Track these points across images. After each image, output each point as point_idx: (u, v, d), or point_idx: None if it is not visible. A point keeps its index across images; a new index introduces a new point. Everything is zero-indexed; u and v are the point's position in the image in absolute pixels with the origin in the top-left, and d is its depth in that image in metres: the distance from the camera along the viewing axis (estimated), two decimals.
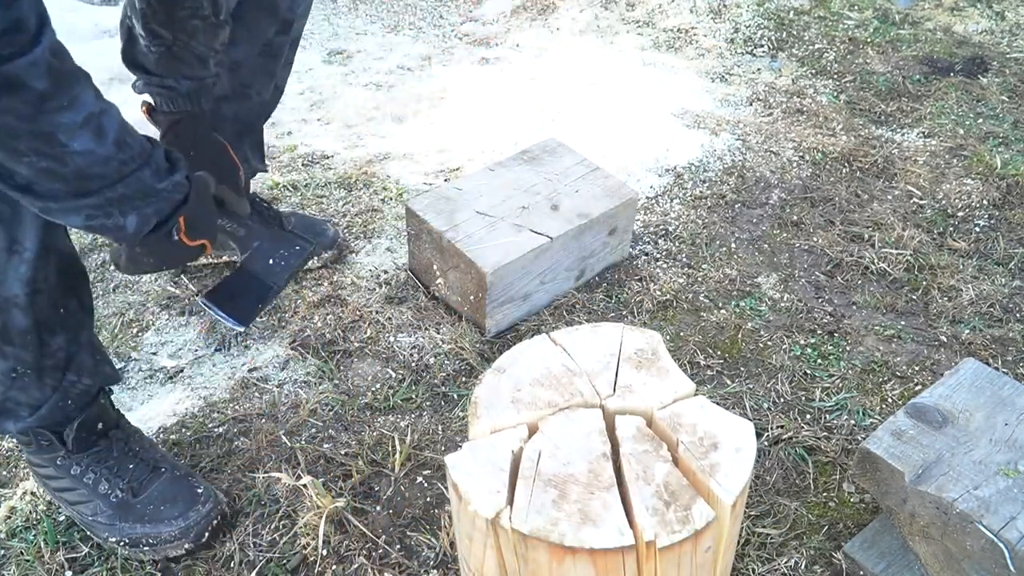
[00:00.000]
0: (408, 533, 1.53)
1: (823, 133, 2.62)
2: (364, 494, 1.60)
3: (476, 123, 2.66)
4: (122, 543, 1.46)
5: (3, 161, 1.03)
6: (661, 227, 2.24)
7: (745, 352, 1.89)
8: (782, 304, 2.02)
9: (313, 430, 1.71)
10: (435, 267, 1.95)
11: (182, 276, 2.07)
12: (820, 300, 2.04)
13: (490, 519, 0.97)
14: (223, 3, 1.52)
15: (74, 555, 1.50)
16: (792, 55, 3.05)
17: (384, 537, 1.52)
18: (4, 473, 1.65)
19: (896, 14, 3.29)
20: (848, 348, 1.91)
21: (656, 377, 1.13)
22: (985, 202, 2.34)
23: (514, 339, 1.90)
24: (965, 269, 2.12)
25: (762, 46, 3.09)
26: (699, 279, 2.08)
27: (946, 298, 2.04)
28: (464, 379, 1.82)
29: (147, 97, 1.59)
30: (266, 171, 2.03)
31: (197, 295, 2.00)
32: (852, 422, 1.73)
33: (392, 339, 1.90)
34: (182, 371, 1.85)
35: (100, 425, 1.48)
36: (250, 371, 1.84)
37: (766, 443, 1.68)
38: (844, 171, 2.47)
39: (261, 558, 1.49)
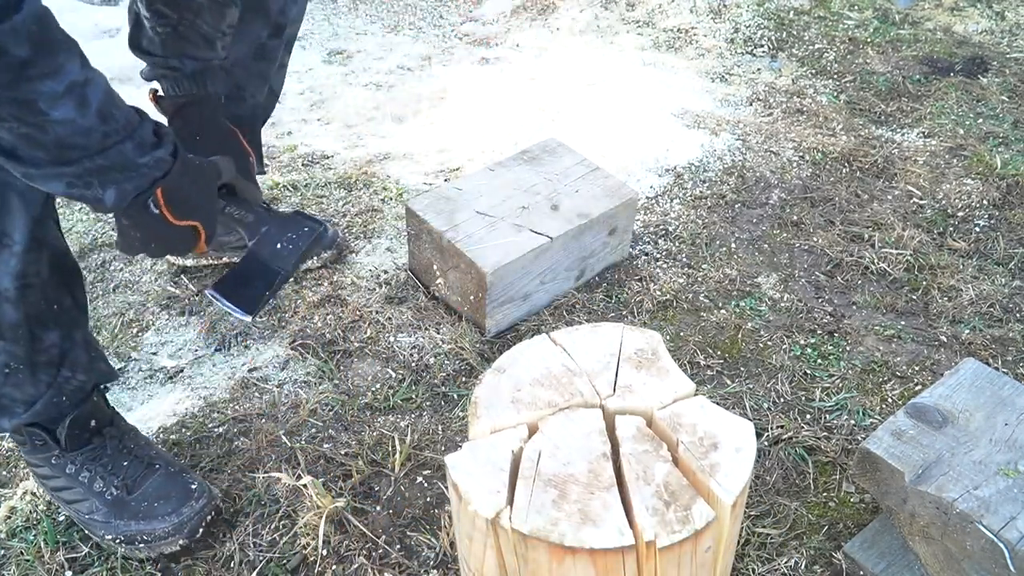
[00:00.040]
0: (408, 533, 1.53)
1: (823, 133, 2.62)
2: (364, 494, 1.60)
3: (476, 123, 2.66)
4: (118, 540, 1.46)
5: None
6: (661, 227, 2.24)
7: (745, 352, 1.89)
8: (782, 304, 2.02)
9: (313, 430, 1.71)
10: (435, 267, 1.95)
11: (182, 276, 2.07)
12: (820, 300, 2.04)
13: (490, 519, 0.97)
14: None
15: (74, 555, 1.50)
16: (792, 55, 3.05)
17: (384, 537, 1.52)
18: (4, 473, 1.65)
19: (896, 14, 3.29)
20: (848, 348, 1.91)
21: (656, 377, 1.13)
22: (985, 202, 2.34)
23: (514, 339, 1.90)
24: (965, 269, 2.12)
25: (762, 46, 3.09)
26: (699, 279, 2.08)
27: (946, 298, 2.04)
28: (464, 379, 1.82)
29: (155, 86, 1.58)
30: (264, 172, 2.03)
31: (204, 289, 2.00)
32: (852, 422, 1.73)
33: (392, 339, 1.90)
34: (182, 371, 1.85)
35: (93, 423, 1.49)
36: (250, 371, 1.84)
37: (766, 443, 1.68)
38: (844, 171, 2.47)
39: (261, 558, 1.49)
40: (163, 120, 1.54)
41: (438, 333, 1.91)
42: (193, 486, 1.50)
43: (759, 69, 2.97)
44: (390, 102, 2.79)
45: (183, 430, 1.71)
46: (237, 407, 1.76)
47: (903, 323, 1.98)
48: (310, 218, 1.48)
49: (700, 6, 3.30)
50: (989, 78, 2.91)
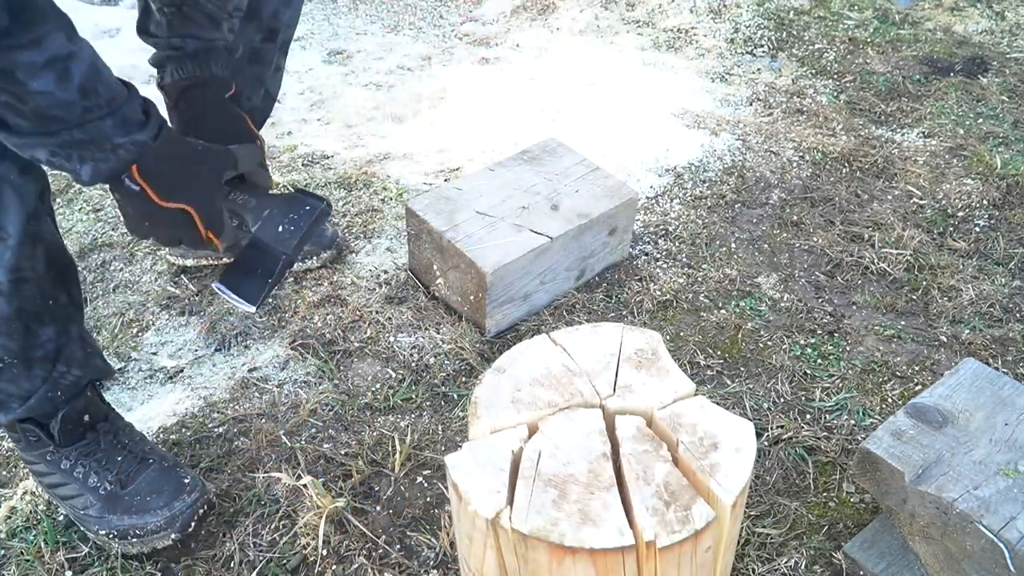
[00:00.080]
0: (408, 533, 1.53)
1: (823, 133, 2.62)
2: (364, 494, 1.60)
3: (476, 123, 2.66)
4: (111, 536, 1.46)
5: None
6: (661, 227, 2.24)
7: (745, 352, 1.89)
8: (782, 304, 2.02)
9: (313, 430, 1.71)
10: (435, 267, 1.95)
11: (182, 276, 2.07)
12: (820, 300, 2.04)
13: (490, 519, 0.97)
14: None
15: (74, 555, 1.50)
16: (792, 55, 3.05)
17: (384, 537, 1.52)
18: (4, 473, 1.65)
19: (896, 14, 3.29)
20: (848, 348, 1.91)
21: (656, 377, 1.13)
22: (985, 202, 2.34)
23: (514, 339, 1.90)
24: (965, 269, 2.12)
25: (762, 46, 3.09)
26: (699, 279, 2.08)
27: (946, 298, 2.04)
28: (464, 379, 1.82)
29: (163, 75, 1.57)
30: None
31: (212, 283, 1.99)
32: (852, 422, 1.73)
33: (392, 339, 1.90)
34: (182, 371, 1.85)
35: (87, 417, 1.49)
36: (250, 371, 1.84)
37: (766, 443, 1.68)
38: (844, 171, 2.47)
39: (261, 558, 1.49)
40: (168, 109, 1.52)
41: (438, 333, 1.91)
42: (186, 480, 1.50)
43: (759, 69, 2.97)
44: (390, 102, 2.79)
45: (183, 430, 1.71)
46: (237, 407, 1.76)
47: (903, 323, 1.98)
48: (311, 195, 1.43)
49: (700, 6, 3.30)
50: (989, 78, 2.91)
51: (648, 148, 2.52)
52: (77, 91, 1.08)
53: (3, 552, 1.51)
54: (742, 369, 1.85)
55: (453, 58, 3.05)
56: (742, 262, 2.14)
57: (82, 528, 1.51)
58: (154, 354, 1.89)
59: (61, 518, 1.55)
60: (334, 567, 1.47)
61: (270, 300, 2.00)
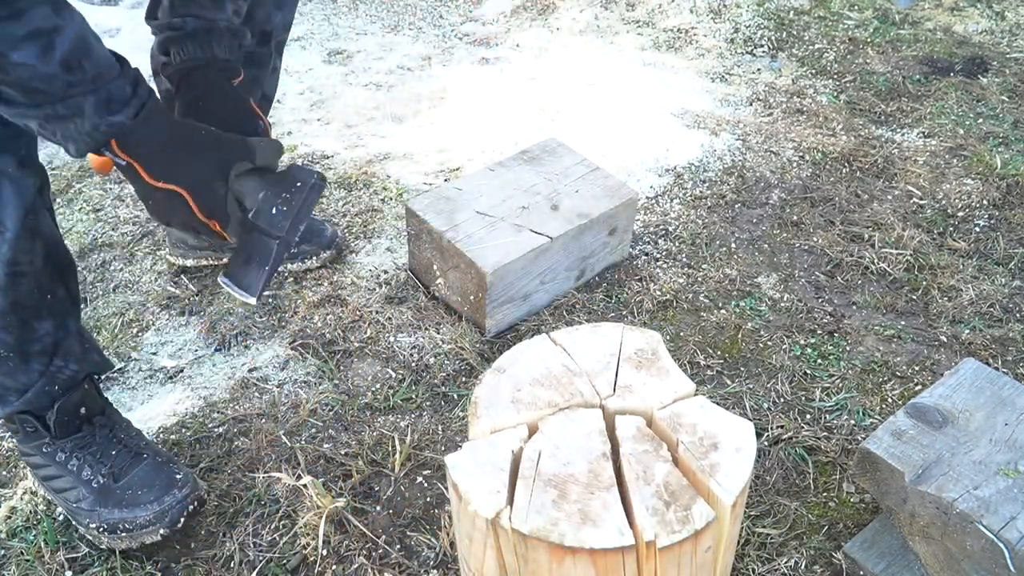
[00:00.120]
0: (408, 533, 1.53)
1: (823, 133, 2.62)
2: (364, 494, 1.60)
3: (476, 123, 2.66)
4: (101, 529, 1.46)
5: None
6: (661, 227, 2.24)
7: (745, 352, 1.89)
8: (782, 304, 2.02)
9: (313, 430, 1.71)
10: (435, 267, 1.95)
11: (182, 276, 2.07)
12: (820, 300, 2.04)
13: (490, 519, 0.97)
14: None
15: (74, 555, 1.50)
16: (792, 55, 3.05)
17: (384, 537, 1.52)
18: (4, 473, 1.65)
19: (896, 14, 3.29)
20: (848, 348, 1.91)
21: (656, 377, 1.13)
22: (985, 202, 2.34)
23: (514, 339, 1.90)
24: (965, 269, 2.12)
25: (762, 46, 3.09)
26: (699, 279, 2.08)
27: (946, 298, 2.04)
28: (464, 379, 1.82)
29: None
30: None
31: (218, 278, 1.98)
32: (852, 422, 1.73)
33: (392, 339, 1.90)
34: (182, 371, 1.85)
35: (83, 410, 1.49)
36: (250, 371, 1.84)
37: (766, 443, 1.68)
38: (844, 171, 2.47)
39: (261, 558, 1.49)
40: (172, 95, 1.49)
41: (438, 333, 1.91)
42: (178, 476, 1.50)
43: (759, 69, 2.97)
44: (390, 102, 2.79)
45: (183, 430, 1.71)
46: (237, 407, 1.76)
47: (903, 323, 1.98)
48: (302, 170, 1.36)
49: (700, 6, 3.30)
50: (989, 78, 2.91)
51: (648, 148, 2.52)
52: (59, 65, 1.07)
53: (3, 552, 1.51)
54: (742, 369, 1.85)
55: (453, 58, 3.05)
56: (742, 262, 2.14)
57: (74, 522, 1.51)
58: (154, 354, 1.89)
59: (61, 518, 1.55)
60: (334, 567, 1.47)
61: (270, 300, 1.99)
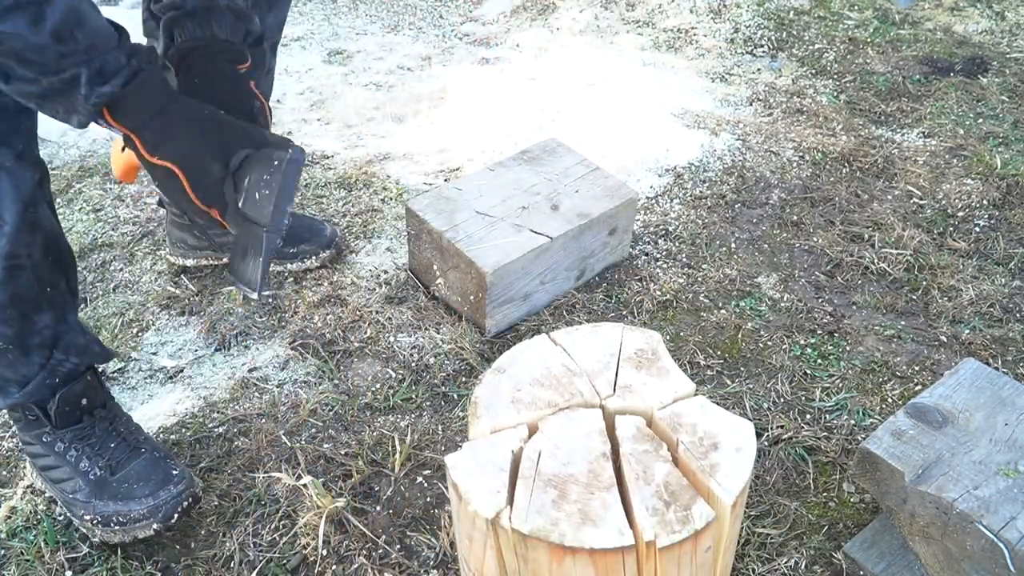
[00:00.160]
0: (408, 533, 1.53)
1: (823, 133, 2.62)
2: (364, 494, 1.60)
3: (476, 123, 2.66)
4: (95, 522, 1.47)
5: None
6: (661, 227, 2.24)
7: (745, 352, 1.89)
8: (782, 304, 2.02)
9: (313, 430, 1.71)
10: (435, 267, 1.95)
11: (182, 276, 2.07)
12: (820, 300, 2.04)
13: (490, 519, 0.97)
14: None
15: (74, 555, 1.50)
16: (792, 55, 3.05)
17: (384, 537, 1.52)
18: (4, 473, 1.65)
19: (896, 14, 3.29)
20: (848, 348, 1.91)
21: (656, 377, 1.13)
22: (985, 202, 2.34)
23: (514, 339, 1.90)
24: (965, 269, 2.12)
25: (762, 46, 3.09)
26: (699, 279, 2.08)
27: (946, 298, 2.04)
28: (464, 379, 1.82)
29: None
30: None
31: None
32: (852, 422, 1.73)
33: (392, 339, 1.90)
34: (182, 371, 1.85)
35: (84, 401, 1.50)
36: (250, 371, 1.84)
37: (766, 443, 1.68)
38: (844, 171, 2.47)
39: (261, 558, 1.49)
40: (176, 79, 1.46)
41: (438, 333, 1.91)
42: (174, 471, 1.50)
43: (759, 69, 2.97)
44: (390, 102, 2.79)
45: (183, 430, 1.71)
46: (237, 407, 1.76)
47: (903, 323, 1.98)
48: (279, 145, 1.27)
49: (700, 6, 3.30)
50: (989, 78, 2.91)
51: (648, 148, 2.52)
52: (50, 35, 1.06)
53: (3, 552, 1.51)
54: (742, 369, 1.85)
55: (453, 58, 3.05)
56: (742, 262, 2.14)
57: (69, 513, 1.51)
58: (154, 354, 1.89)
59: (61, 518, 1.55)
60: (334, 567, 1.47)
61: (270, 300, 1.99)
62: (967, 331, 1.95)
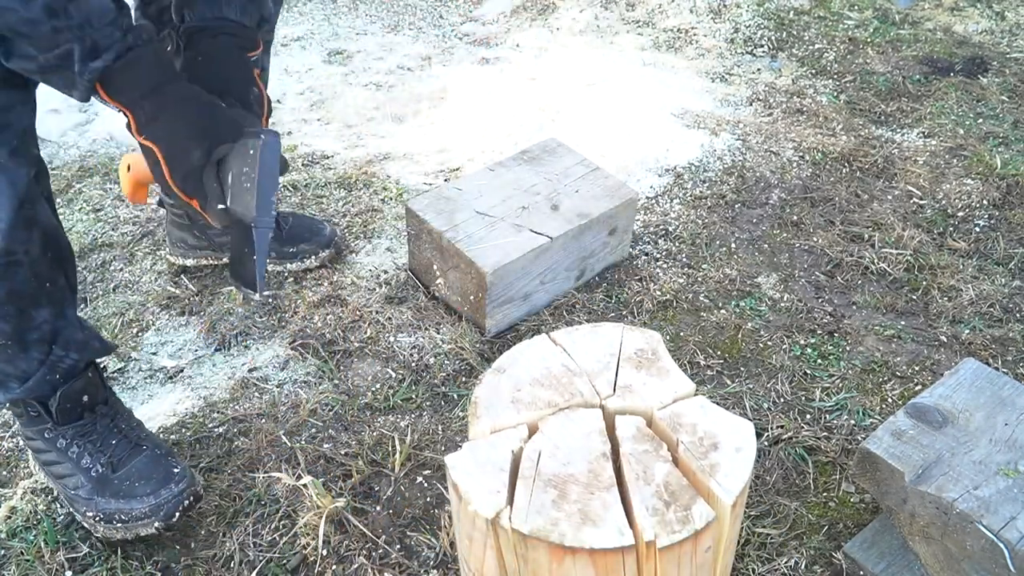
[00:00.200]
0: (408, 533, 1.53)
1: (823, 133, 2.62)
2: (364, 494, 1.60)
3: (476, 123, 2.66)
4: (97, 519, 1.47)
5: None
6: (661, 227, 2.24)
7: (745, 352, 1.89)
8: (782, 304, 2.02)
9: (313, 430, 1.71)
10: (435, 267, 1.95)
11: (182, 276, 2.07)
12: (820, 300, 2.04)
13: (490, 519, 0.97)
14: None
15: (74, 555, 1.50)
16: (792, 55, 3.05)
17: (384, 537, 1.52)
18: (4, 473, 1.65)
19: (896, 14, 3.29)
20: (848, 348, 1.91)
21: (656, 377, 1.13)
22: (985, 202, 2.34)
23: (514, 339, 1.90)
24: (965, 269, 2.12)
25: (762, 46, 3.09)
26: (699, 279, 2.08)
27: (946, 298, 2.04)
28: (464, 379, 1.82)
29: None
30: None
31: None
32: (852, 422, 1.73)
33: (392, 339, 1.90)
34: (182, 371, 1.85)
35: (85, 398, 1.50)
36: (250, 371, 1.84)
37: (766, 443, 1.68)
38: (844, 171, 2.47)
39: (261, 558, 1.49)
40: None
41: (438, 333, 1.91)
42: (175, 469, 1.50)
43: (759, 69, 2.97)
44: (390, 102, 2.79)
45: (183, 430, 1.71)
46: (237, 407, 1.76)
47: (903, 323, 1.98)
48: (251, 130, 1.22)
49: (700, 6, 3.30)
50: (989, 78, 2.91)
51: (648, 148, 2.52)
52: (42, 10, 1.07)
53: (3, 552, 1.51)
54: (742, 369, 1.85)
55: (453, 58, 3.05)
56: (742, 262, 2.14)
57: (71, 509, 1.52)
58: (154, 354, 1.89)
59: (61, 518, 1.55)
60: (334, 567, 1.47)
61: (270, 300, 1.99)
62: (967, 331, 1.95)
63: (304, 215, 2.17)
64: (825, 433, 1.70)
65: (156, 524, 1.47)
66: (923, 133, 2.64)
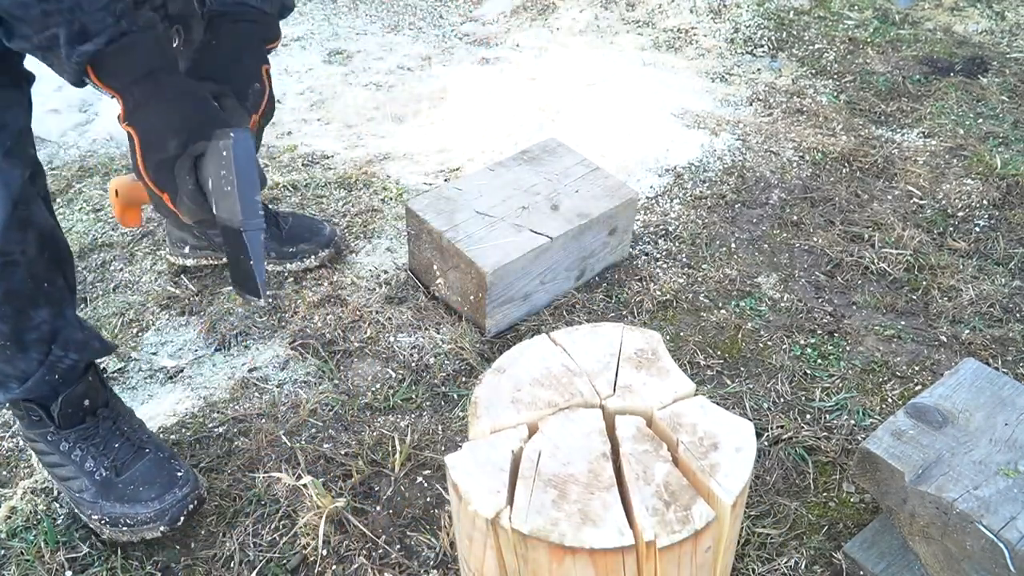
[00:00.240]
0: (408, 533, 1.53)
1: (823, 133, 2.62)
2: (364, 494, 1.60)
3: (476, 123, 2.66)
4: (103, 521, 1.48)
5: None
6: (661, 227, 2.24)
7: (745, 352, 1.89)
8: (782, 304, 2.02)
9: (313, 430, 1.71)
10: (435, 267, 1.95)
11: (182, 276, 2.07)
12: (820, 300, 2.04)
13: (490, 519, 0.97)
14: None
15: (74, 555, 1.50)
16: (792, 55, 3.05)
17: (384, 537, 1.52)
18: (4, 473, 1.65)
19: (896, 14, 3.29)
20: (848, 348, 1.91)
21: (656, 377, 1.13)
22: (985, 202, 2.34)
23: (514, 339, 1.90)
24: (965, 269, 2.12)
25: (762, 46, 3.09)
26: (699, 279, 2.08)
27: (946, 298, 2.04)
28: (464, 379, 1.82)
29: None
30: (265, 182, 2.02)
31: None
32: (852, 422, 1.73)
33: (392, 339, 1.90)
34: (182, 371, 1.85)
35: (87, 402, 1.50)
36: (250, 371, 1.84)
37: (766, 443, 1.68)
38: (844, 171, 2.47)
39: (261, 558, 1.49)
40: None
41: (438, 333, 1.91)
42: (179, 473, 1.51)
43: (759, 69, 2.97)
44: (390, 102, 2.79)
45: (183, 430, 1.71)
46: (237, 407, 1.76)
47: (903, 323, 1.98)
48: (222, 135, 1.17)
49: (700, 6, 3.30)
50: (989, 78, 2.91)
51: (648, 148, 2.52)
52: None
53: (3, 552, 1.51)
54: (742, 369, 1.85)
55: (453, 58, 3.05)
56: (742, 262, 2.14)
57: (76, 510, 1.52)
58: (154, 354, 1.89)
59: (61, 518, 1.55)
60: (334, 567, 1.47)
61: (270, 300, 1.99)
62: (967, 331, 1.95)
63: (304, 215, 2.17)
64: (825, 433, 1.70)
65: (161, 528, 1.47)
66: (923, 133, 2.64)
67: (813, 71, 2.95)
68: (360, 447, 1.67)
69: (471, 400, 1.11)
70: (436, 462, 1.65)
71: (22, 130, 1.29)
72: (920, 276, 2.10)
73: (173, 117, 1.21)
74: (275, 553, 1.50)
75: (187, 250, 2.05)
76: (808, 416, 1.75)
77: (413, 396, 1.78)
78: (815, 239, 2.21)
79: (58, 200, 2.32)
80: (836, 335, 1.94)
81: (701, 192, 2.36)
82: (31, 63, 1.31)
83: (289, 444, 1.67)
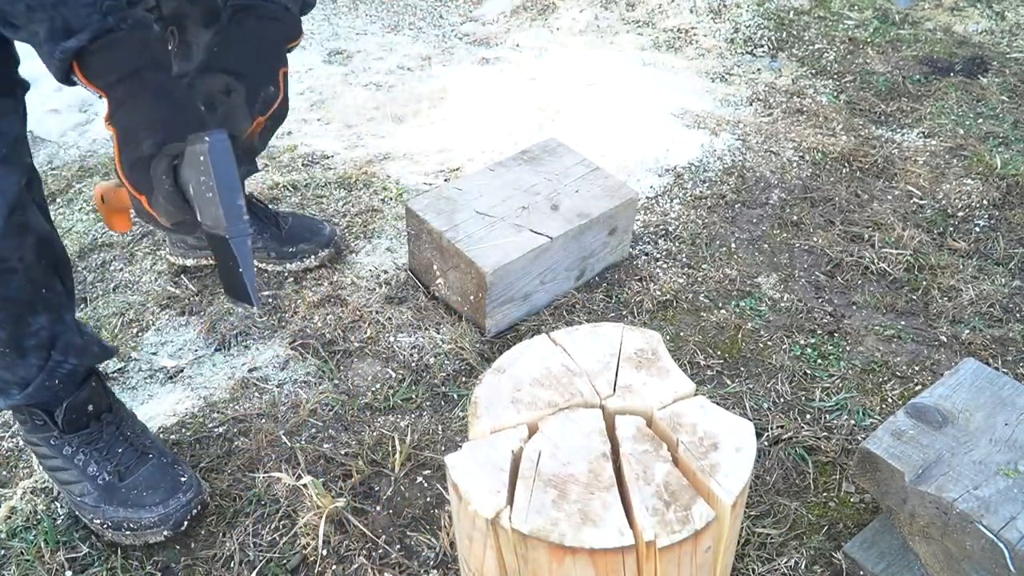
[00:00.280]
0: (408, 533, 1.53)
1: (823, 133, 2.62)
2: (364, 494, 1.60)
3: (476, 123, 2.66)
4: (106, 526, 1.48)
5: None
6: (661, 227, 2.24)
7: (745, 352, 1.89)
8: (782, 304, 2.02)
9: (313, 430, 1.71)
10: (435, 267, 1.95)
11: (182, 276, 2.07)
12: (820, 300, 2.04)
13: (490, 519, 0.97)
14: None
15: (74, 555, 1.50)
16: (792, 55, 3.05)
17: (384, 537, 1.52)
18: (4, 473, 1.65)
19: (896, 14, 3.29)
20: (848, 348, 1.91)
21: (656, 377, 1.13)
22: (985, 202, 2.34)
23: (514, 339, 1.90)
24: (965, 269, 2.12)
25: (762, 46, 3.09)
26: (699, 279, 2.08)
27: (946, 298, 2.04)
28: (464, 379, 1.82)
29: None
30: (258, 170, 2.02)
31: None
32: (852, 422, 1.73)
33: (392, 339, 1.90)
34: (182, 371, 1.85)
35: (90, 407, 1.50)
36: (250, 371, 1.84)
37: (766, 443, 1.68)
38: (844, 171, 2.47)
39: (261, 558, 1.49)
40: None
41: (438, 333, 1.91)
42: (182, 478, 1.51)
43: (759, 69, 2.97)
44: (390, 102, 2.79)
45: (183, 430, 1.71)
46: (237, 407, 1.76)
47: (903, 323, 1.98)
48: (198, 136, 1.12)
49: (700, 6, 3.30)
50: (989, 78, 2.91)
51: (648, 148, 2.52)
52: None
53: (3, 552, 1.51)
54: (742, 369, 1.85)
55: (453, 58, 3.05)
56: (742, 262, 2.14)
57: (78, 513, 1.52)
58: (154, 354, 1.89)
59: (61, 519, 1.55)
60: (334, 567, 1.47)
61: (270, 300, 1.99)
62: (967, 331, 1.95)
63: (304, 215, 2.17)
64: (825, 433, 1.70)
65: (165, 533, 1.48)
66: (923, 133, 2.64)
67: (813, 71, 2.95)
68: (360, 447, 1.67)
69: (471, 400, 1.11)
70: (436, 462, 1.65)
71: (17, 137, 1.29)
72: (920, 276, 2.10)
73: (149, 115, 1.18)
74: (275, 553, 1.50)
75: (187, 250, 2.05)
76: (808, 416, 1.75)
77: (413, 396, 1.78)
78: (815, 239, 2.21)
79: (58, 200, 2.32)
80: (836, 335, 1.94)
81: (701, 192, 2.36)
82: (26, 70, 1.31)
83: (289, 444, 1.67)
